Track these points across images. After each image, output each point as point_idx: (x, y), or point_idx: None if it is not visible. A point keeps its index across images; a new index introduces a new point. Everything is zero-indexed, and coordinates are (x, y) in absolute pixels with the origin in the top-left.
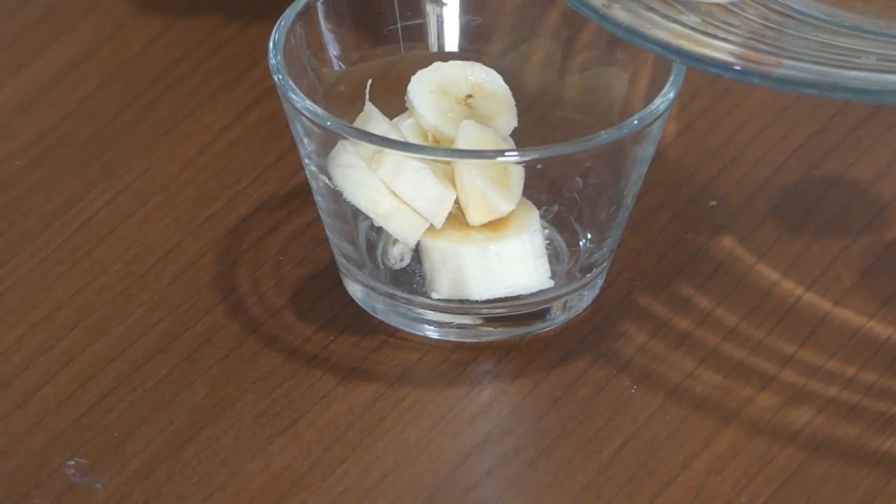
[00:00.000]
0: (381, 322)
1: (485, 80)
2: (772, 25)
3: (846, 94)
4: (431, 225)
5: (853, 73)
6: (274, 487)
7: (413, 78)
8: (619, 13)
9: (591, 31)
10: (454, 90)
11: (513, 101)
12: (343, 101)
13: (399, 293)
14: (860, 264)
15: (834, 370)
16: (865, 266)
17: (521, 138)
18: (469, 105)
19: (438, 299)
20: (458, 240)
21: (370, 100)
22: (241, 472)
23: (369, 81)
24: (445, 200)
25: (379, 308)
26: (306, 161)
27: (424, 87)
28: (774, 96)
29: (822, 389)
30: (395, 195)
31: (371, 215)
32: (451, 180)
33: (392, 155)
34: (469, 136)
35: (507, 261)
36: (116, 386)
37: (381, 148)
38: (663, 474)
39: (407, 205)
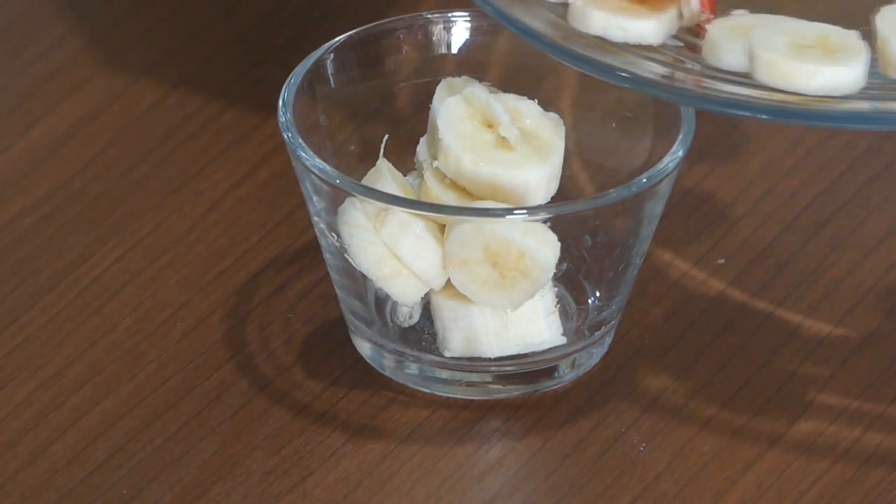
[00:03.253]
0: (389, 379)
1: (531, 111)
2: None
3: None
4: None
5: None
6: None
7: (439, 90)
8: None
9: (596, 90)
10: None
11: (561, 147)
12: (353, 160)
13: (408, 351)
14: (869, 323)
15: (837, 433)
16: (874, 325)
17: None
18: (504, 140)
19: (449, 357)
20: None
21: (384, 156)
22: None
23: (385, 137)
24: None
25: (388, 365)
26: (315, 219)
27: (455, 109)
28: (783, 154)
29: (830, 451)
30: (397, 258)
31: (372, 277)
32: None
33: (397, 215)
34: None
35: (519, 318)
36: (126, 443)
37: (386, 206)
38: None
39: (407, 268)
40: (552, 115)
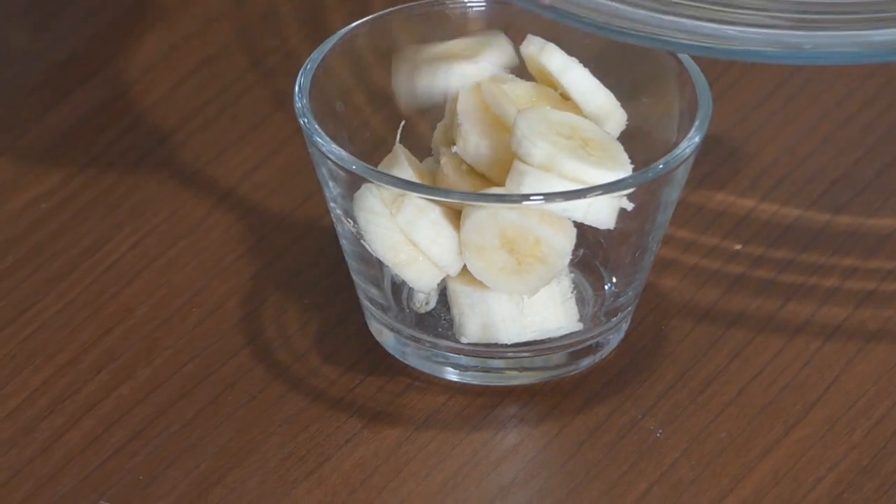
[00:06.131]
0: (406, 365)
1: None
2: None
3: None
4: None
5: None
6: None
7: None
8: None
9: (615, 74)
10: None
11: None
12: (369, 146)
13: (424, 337)
14: (886, 310)
15: (854, 420)
16: (891, 312)
17: None
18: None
19: (466, 343)
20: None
21: (400, 141)
22: None
23: (401, 123)
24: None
25: (404, 351)
26: (332, 205)
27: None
28: (800, 140)
29: (846, 437)
30: (413, 244)
31: (388, 263)
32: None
33: (412, 201)
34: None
35: (536, 304)
36: (142, 429)
37: (402, 192)
38: None
39: (424, 254)
40: (570, 103)
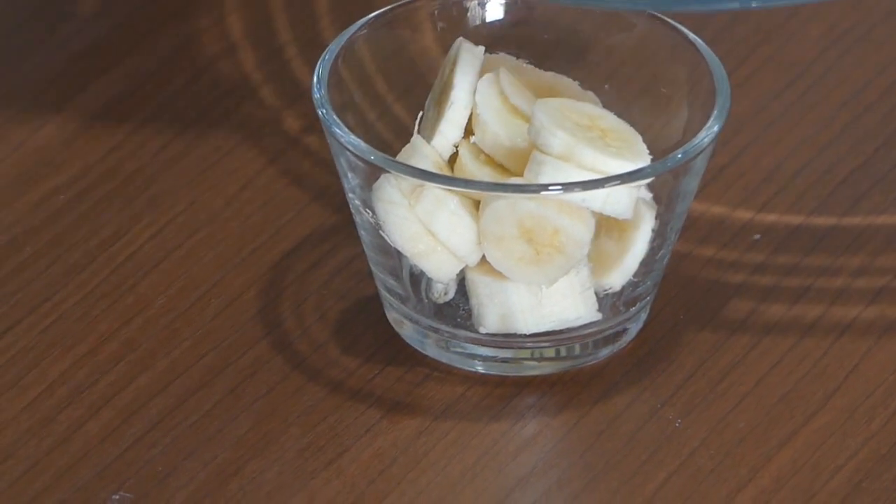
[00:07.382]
0: (424, 356)
1: (568, 88)
2: None
3: None
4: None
5: None
6: None
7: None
8: None
9: (633, 63)
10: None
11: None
12: (387, 136)
13: (443, 327)
14: None
15: (873, 408)
16: None
17: None
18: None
19: (485, 333)
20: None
21: (419, 132)
22: None
23: (420, 113)
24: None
25: (423, 342)
26: (350, 195)
27: (493, 92)
28: (819, 129)
29: (865, 426)
30: (432, 234)
31: (407, 253)
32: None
33: (431, 191)
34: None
35: (554, 294)
36: (160, 420)
37: (421, 182)
38: None
39: (442, 244)
40: (588, 93)
